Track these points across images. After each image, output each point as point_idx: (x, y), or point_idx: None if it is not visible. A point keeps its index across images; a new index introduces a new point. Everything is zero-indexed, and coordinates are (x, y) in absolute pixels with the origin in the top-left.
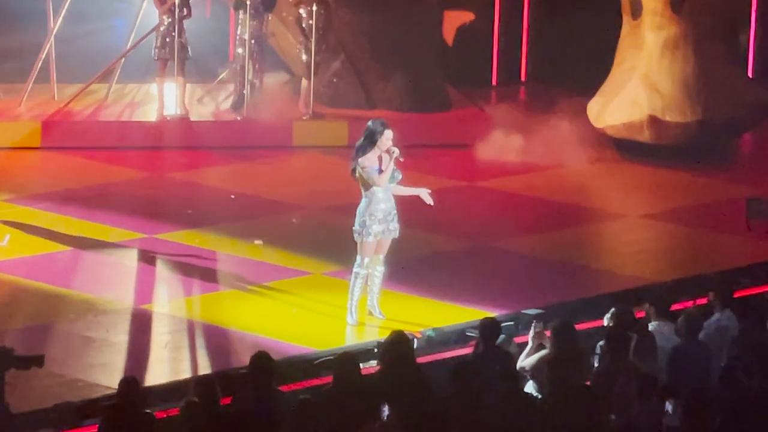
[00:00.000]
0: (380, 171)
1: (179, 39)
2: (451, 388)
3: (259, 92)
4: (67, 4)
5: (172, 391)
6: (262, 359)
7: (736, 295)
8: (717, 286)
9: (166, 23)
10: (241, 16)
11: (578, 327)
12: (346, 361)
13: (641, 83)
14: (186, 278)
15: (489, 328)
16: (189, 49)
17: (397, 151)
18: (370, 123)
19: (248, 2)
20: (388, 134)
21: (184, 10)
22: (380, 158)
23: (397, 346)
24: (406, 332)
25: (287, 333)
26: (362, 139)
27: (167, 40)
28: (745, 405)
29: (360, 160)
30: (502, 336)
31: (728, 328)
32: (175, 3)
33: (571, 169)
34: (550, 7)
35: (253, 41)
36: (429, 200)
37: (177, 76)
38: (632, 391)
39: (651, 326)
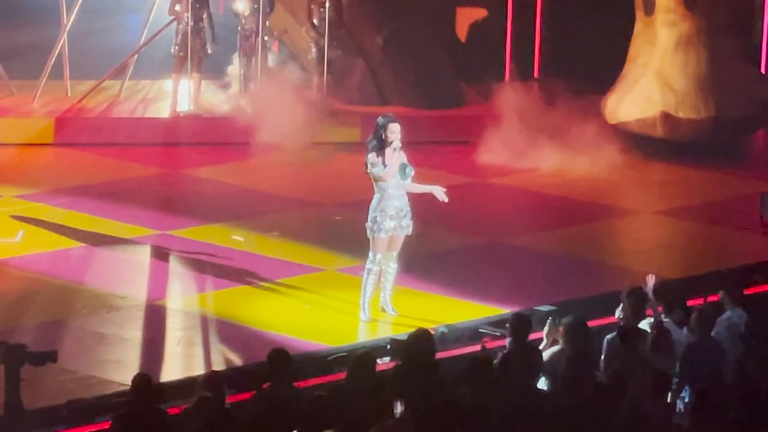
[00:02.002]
0: (386, 165)
1: (198, 36)
2: (470, 383)
3: (258, 82)
4: (80, 1)
5: (185, 387)
6: (279, 355)
7: (748, 292)
8: (728, 283)
9: (185, 20)
10: (238, 12)
11: (591, 323)
12: (362, 358)
13: (654, 80)
14: (199, 275)
15: (520, 323)
16: (208, 46)
17: (399, 144)
18: (378, 119)
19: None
20: (392, 127)
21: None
22: (386, 152)
23: (420, 343)
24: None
25: (300, 329)
26: (372, 135)
27: (187, 36)
28: (757, 402)
29: (369, 156)
30: None
31: (739, 326)
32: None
33: (584, 166)
34: (563, 3)
35: (249, 36)
36: (444, 198)
37: (193, 72)
38: (645, 388)
39: (666, 322)
